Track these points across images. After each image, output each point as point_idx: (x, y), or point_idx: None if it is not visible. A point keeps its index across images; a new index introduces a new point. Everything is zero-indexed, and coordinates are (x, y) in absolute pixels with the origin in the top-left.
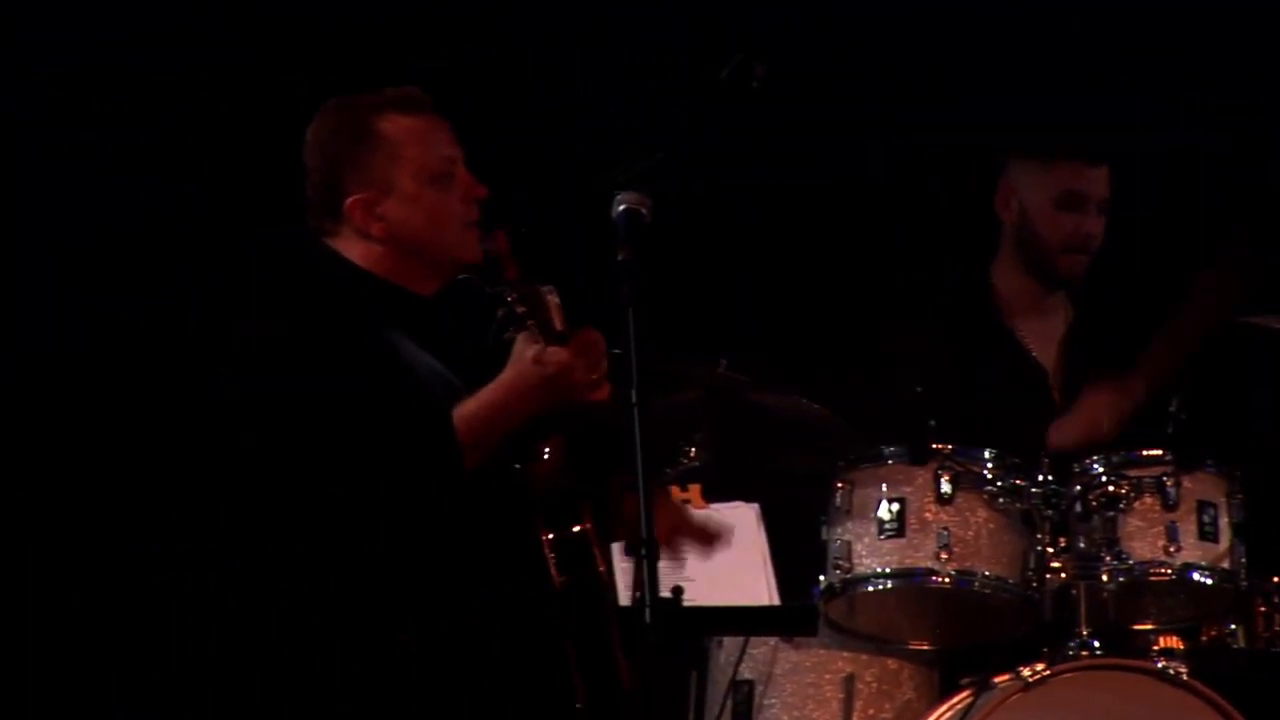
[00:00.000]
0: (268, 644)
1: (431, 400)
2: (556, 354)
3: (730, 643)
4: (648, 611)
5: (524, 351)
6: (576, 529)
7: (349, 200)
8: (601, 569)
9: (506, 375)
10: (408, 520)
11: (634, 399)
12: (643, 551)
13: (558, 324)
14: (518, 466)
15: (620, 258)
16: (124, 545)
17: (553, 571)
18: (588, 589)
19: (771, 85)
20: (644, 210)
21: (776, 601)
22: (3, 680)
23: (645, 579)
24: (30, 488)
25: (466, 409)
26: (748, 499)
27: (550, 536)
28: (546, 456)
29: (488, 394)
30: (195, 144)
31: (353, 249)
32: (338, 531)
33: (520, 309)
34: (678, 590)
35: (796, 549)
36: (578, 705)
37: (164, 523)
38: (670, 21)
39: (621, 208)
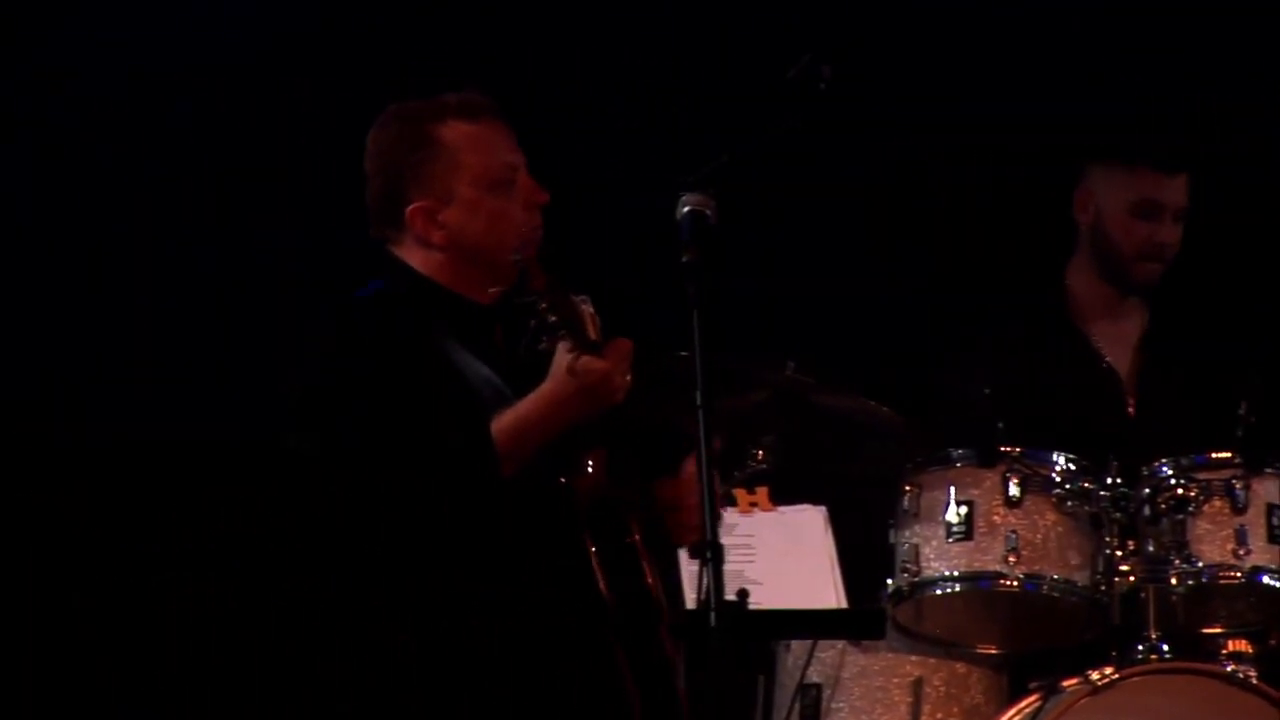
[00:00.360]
0: (294, 649)
1: (473, 410)
2: (592, 363)
3: (798, 646)
4: (713, 615)
5: (561, 362)
6: (625, 541)
7: (410, 208)
8: (650, 581)
9: (545, 386)
10: (442, 530)
11: (700, 402)
12: (707, 555)
13: (591, 333)
14: (562, 480)
15: (685, 259)
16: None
17: (601, 585)
18: (638, 601)
19: (839, 85)
20: (709, 211)
21: (844, 605)
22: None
23: (710, 582)
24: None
25: (505, 420)
26: (815, 502)
27: (597, 549)
28: (590, 469)
29: (526, 405)
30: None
31: (414, 257)
32: (367, 540)
33: (551, 319)
34: (744, 594)
35: (864, 552)
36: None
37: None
38: (736, 22)
39: (686, 209)
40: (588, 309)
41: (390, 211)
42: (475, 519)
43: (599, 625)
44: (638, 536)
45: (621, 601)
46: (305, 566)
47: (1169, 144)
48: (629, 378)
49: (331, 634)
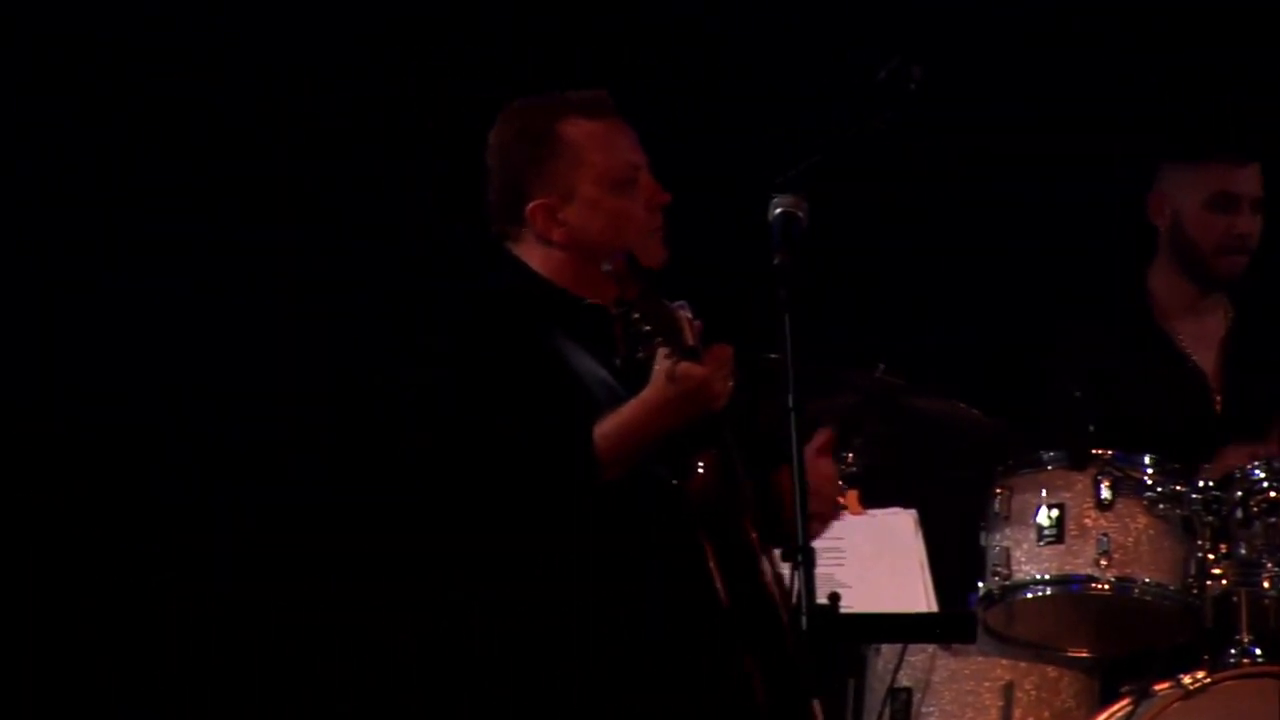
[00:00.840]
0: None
1: (578, 413)
2: (691, 369)
3: (888, 650)
4: (804, 619)
5: (660, 369)
6: (740, 540)
7: (530, 205)
8: (767, 580)
9: (646, 392)
10: (551, 533)
11: (791, 404)
12: (799, 558)
13: (689, 339)
14: (675, 483)
15: (777, 261)
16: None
17: (719, 585)
18: (758, 600)
19: (929, 87)
20: (800, 213)
21: (934, 608)
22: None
23: (802, 586)
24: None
25: (607, 425)
26: (905, 504)
27: (714, 549)
28: (701, 471)
29: (627, 410)
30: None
31: (533, 255)
32: (481, 544)
33: (645, 327)
34: (834, 597)
35: (954, 555)
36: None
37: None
38: (829, 22)
39: (778, 211)
40: (685, 315)
41: (510, 208)
42: (579, 521)
43: (718, 625)
44: (754, 535)
45: (739, 601)
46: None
47: (1237, 134)
48: (730, 383)
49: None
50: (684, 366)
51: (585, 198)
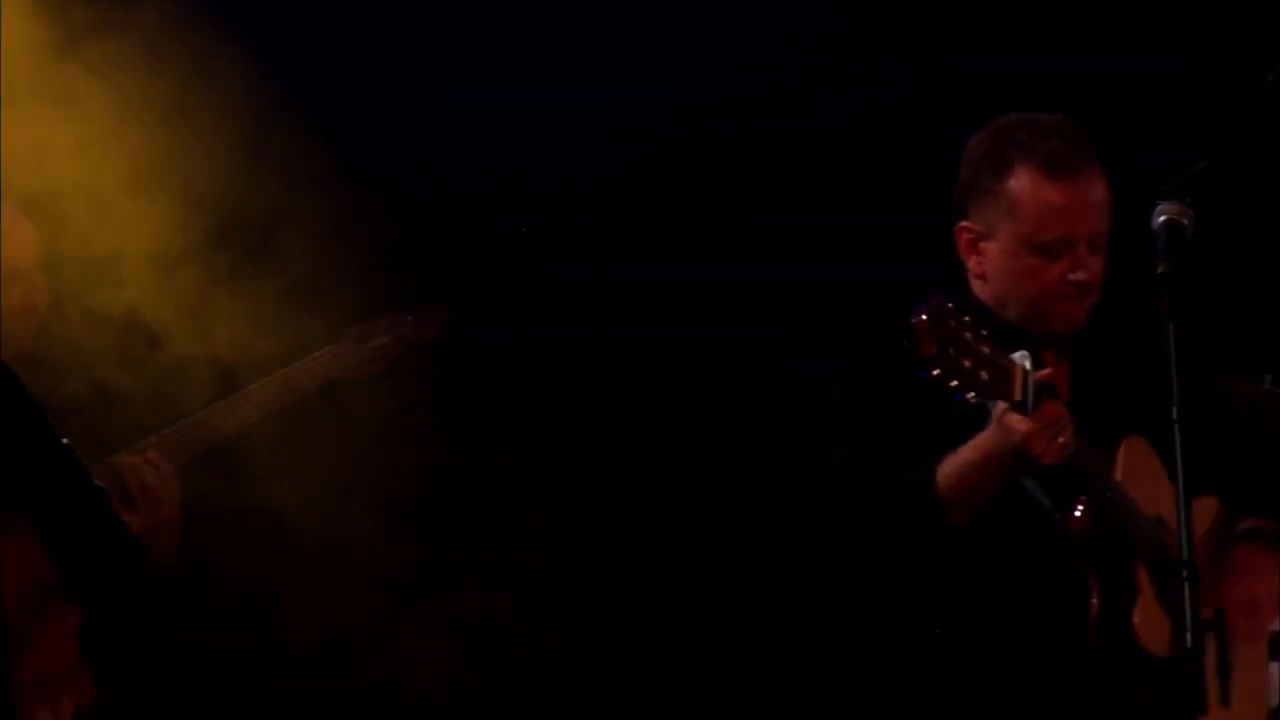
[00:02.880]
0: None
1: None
2: (1014, 422)
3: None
4: (1189, 636)
5: (995, 413)
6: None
7: (961, 224)
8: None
9: (980, 435)
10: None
11: (1175, 417)
12: (1184, 574)
13: (1017, 392)
14: (1057, 517)
15: (1160, 270)
16: None
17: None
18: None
19: None
20: (1185, 221)
21: None
22: None
23: (1188, 604)
24: None
25: (948, 465)
26: None
27: (1099, 588)
28: (1079, 514)
29: (964, 453)
30: None
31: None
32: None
33: (952, 383)
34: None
35: None
36: None
37: None
38: (1213, 24)
39: (1162, 219)
40: (1021, 366)
41: (955, 212)
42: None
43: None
44: (1144, 574)
45: (1108, 639)
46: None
47: None
48: (1063, 440)
49: None
50: (1009, 418)
51: (1004, 246)
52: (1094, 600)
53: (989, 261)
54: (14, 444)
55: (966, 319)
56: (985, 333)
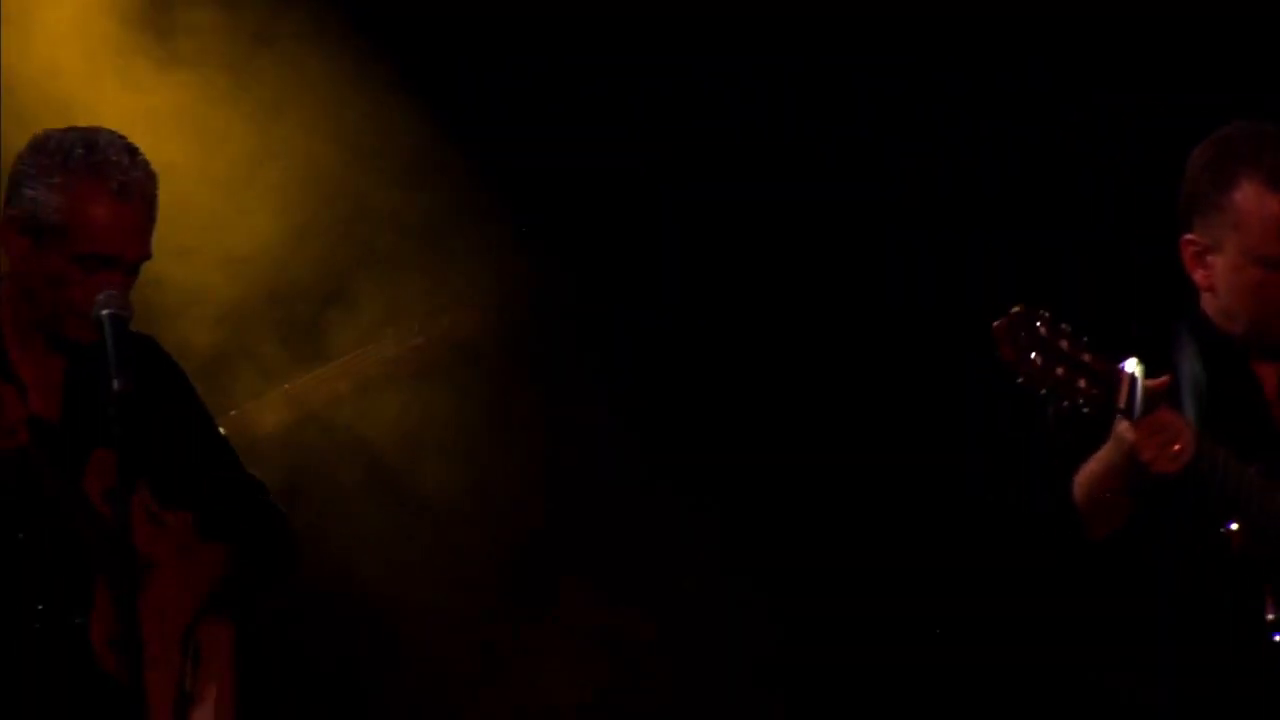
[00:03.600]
0: None
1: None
2: (1123, 430)
3: None
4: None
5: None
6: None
7: (1186, 236)
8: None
9: (1103, 448)
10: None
11: None
12: None
13: (1121, 399)
14: (1222, 531)
15: None
16: None
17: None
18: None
19: None
20: None
21: None
22: None
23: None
24: None
25: (1080, 476)
26: None
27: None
28: (1235, 528)
29: (1091, 464)
30: None
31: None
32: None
33: (1041, 390)
34: None
35: None
36: None
37: None
38: None
39: None
40: (1128, 374)
41: (1180, 223)
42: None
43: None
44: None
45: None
46: None
47: None
48: (1176, 448)
49: None
50: (1117, 426)
51: (1230, 259)
52: (1269, 616)
53: (1216, 275)
54: (188, 444)
55: (1063, 326)
56: (1087, 339)
